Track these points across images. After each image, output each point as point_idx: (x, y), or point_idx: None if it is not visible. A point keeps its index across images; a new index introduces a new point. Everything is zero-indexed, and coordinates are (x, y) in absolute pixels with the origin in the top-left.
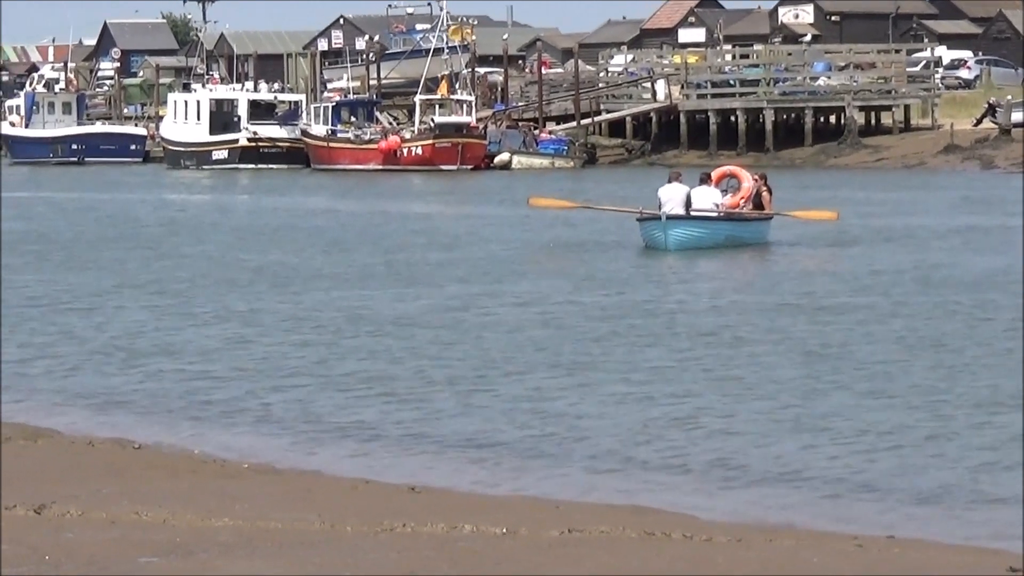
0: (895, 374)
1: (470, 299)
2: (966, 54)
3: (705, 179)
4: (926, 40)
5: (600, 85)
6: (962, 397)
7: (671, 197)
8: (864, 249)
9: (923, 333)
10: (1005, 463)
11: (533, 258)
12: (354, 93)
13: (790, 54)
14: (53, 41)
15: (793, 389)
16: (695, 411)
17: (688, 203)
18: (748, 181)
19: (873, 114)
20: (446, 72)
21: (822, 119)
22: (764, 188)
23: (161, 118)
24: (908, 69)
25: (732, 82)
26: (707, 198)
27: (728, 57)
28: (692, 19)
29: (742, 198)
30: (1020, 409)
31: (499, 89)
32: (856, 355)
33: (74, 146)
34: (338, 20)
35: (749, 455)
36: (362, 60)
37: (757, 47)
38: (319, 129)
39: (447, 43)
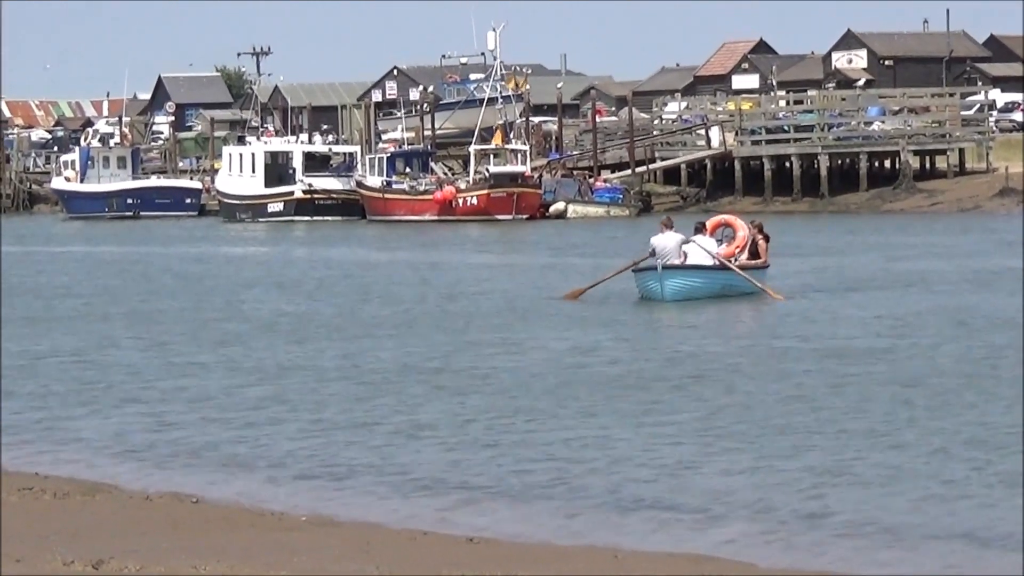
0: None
1: (502, 346)
2: (1020, 96)
3: (700, 228)
4: (980, 83)
5: (654, 133)
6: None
7: (664, 246)
8: (862, 295)
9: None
10: None
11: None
12: (408, 144)
13: (844, 99)
14: (108, 95)
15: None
16: (755, 459)
17: (682, 251)
18: (743, 230)
19: (928, 158)
20: (500, 121)
21: (877, 164)
22: (760, 236)
23: (216, 171)
24: (962, 112)
25: (786, 128)
26: (704, 247)
27: (782, 103)
28: (745, 65)
29: (737, 247)
30: None
31: (553, 138)
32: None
33: (129, 200)
34: (392, 71)
35: (802, 504)
36: (416, 111)
37: (811, 92)
38: (374, 180)
39: (501, 92)
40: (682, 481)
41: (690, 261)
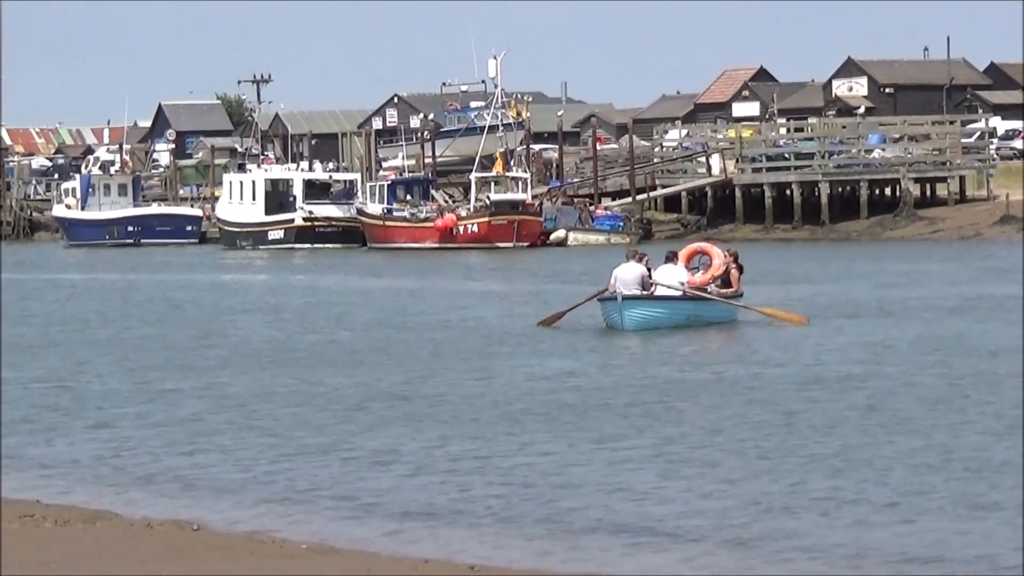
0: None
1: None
2: (1021, 124)
3: (671, 257)
4: (980, 111)
5: (655, 160)
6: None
7: (622, 277)
8: (841, 323)
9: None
10: None
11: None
12: (409, 171)
13: (844, 127)
14: (108, 123)
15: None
16: (794, 489)
17: (643, 282)
18: (719, 258)
19: (928, 185)
20: (501, 149)
21: (877, 191)
22: (734, 266)
23: (216, 199)
24: (963, 140)
25: (787, 155)
26: (672, 277)
27: (783, 131)
28: (746, 93)
29: (712, 276)
30: None
31: (554, 165)
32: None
33: (130, 228)
34: (392, 99)
35: (833, 534)
36: (417, 138)
37: (811, 120)
38: (375, 208)
39: (502, 120)
40: (716, 515)
41: (659, 291)
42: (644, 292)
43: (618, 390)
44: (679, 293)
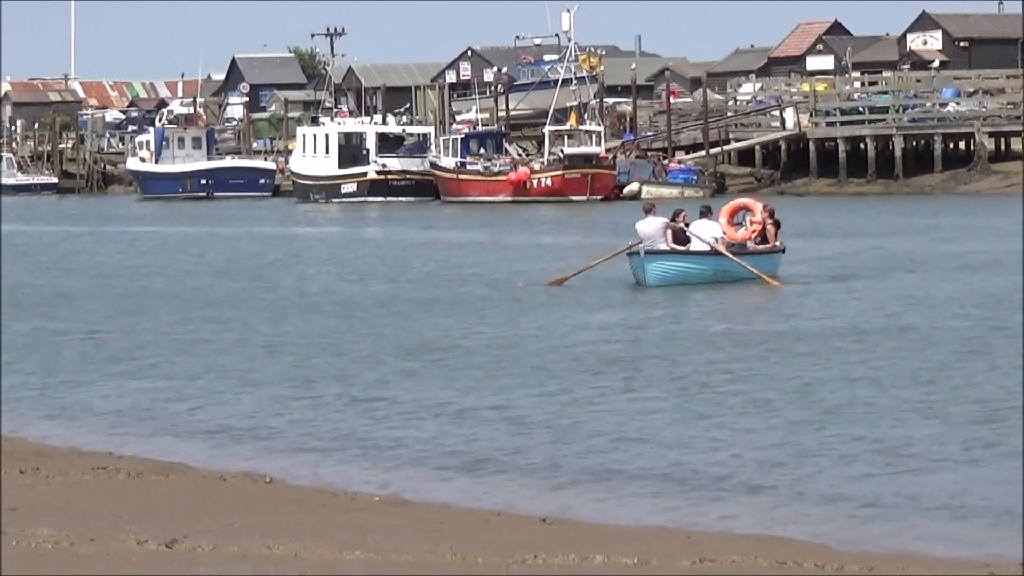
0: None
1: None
2: None
3: (705, 212)
4: None
5: (729, 114)
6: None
7: (645, 231)
8: (873, 281)
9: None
10: None
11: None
12: (483, 125)
13: (919, 81)
14: (182, 76)
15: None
16: (822, 441)
17: (665, 231)
18: (759, 214)
19: (1003, 140)
20: (575, 103)
21: (951, 145)
22: (770, 221)
23: (290, 152)
24: None
25: (861, 109)
26: (705, 232)
27: (857, 84)
28: (820, 47)
29: (754, 231)
30: None
31: (628, 119)
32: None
33: (203, 181)
34: (466, 52)
35: (873, 484)
36: (490, 92)
37: (886, 74)
38: (448, 161)
39: (575, 74)
40: (764, 465)
41: (692, 246)
42: (667, 246)
43: (669, 344)
44: (708, 248)
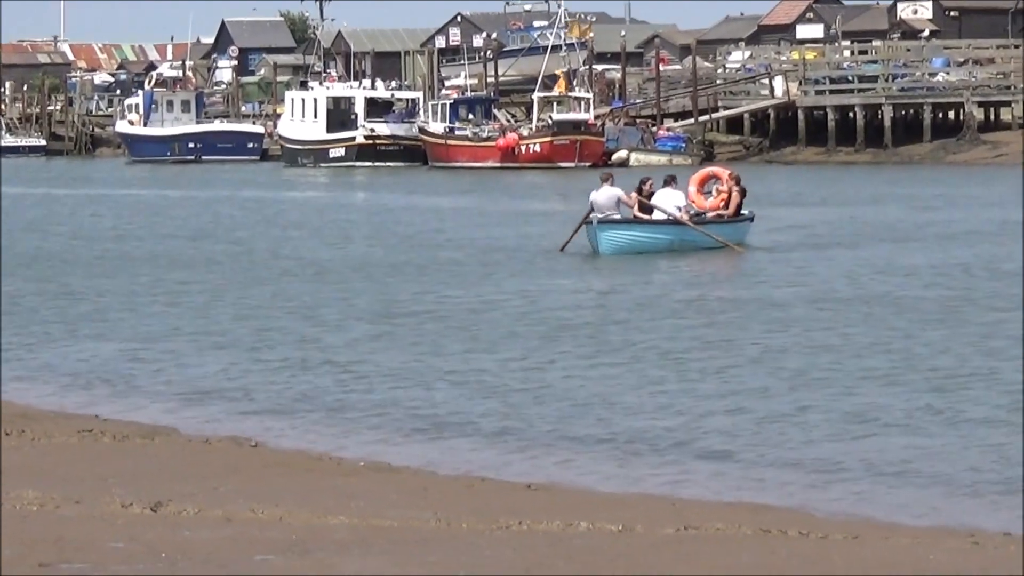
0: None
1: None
2: None
3: (669, 181)
4: None
5: (718, 82)
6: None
7: (598, 200)
8: (843, 250)
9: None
10: None
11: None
12: (472, 90)
13: (908, 50)
14: (171, 39)
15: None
16: (798, 409)
17: (619, 204)
18: (726, 182)
19: (992, 110)
20: (564, 69)
21: (941, 115)
22: (736, 189)
23: (278, 116)
24: None
25: (850, 78)
26: (667, 201)
27: (847, 53)
28: (810, 15)
29: (722, 199)
30: None
31: (617, 86)
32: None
33: (191, 144)
34: (455, 18)
35: (857, 451)
36: (480, 57)
37: (875, 43)
38: (437, 127)
39: (565, 40)
40: (746, 432)
41: (658, 210)
42: (621, 216)
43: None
44: (664, 217)
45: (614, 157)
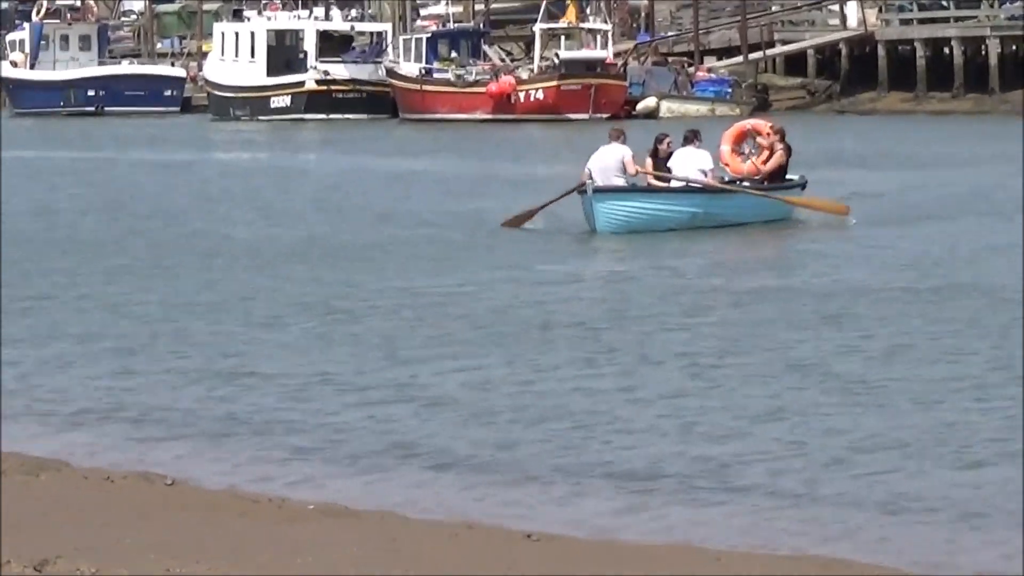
0: None
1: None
2: None
3: (690, 138)
4: None
5: (774, 8)
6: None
7: (600, 163)
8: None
9: None
10: None
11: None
12: (455, 21)
13: None
14: None
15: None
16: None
17: (624, 168)
18: (768, 136)
19: None
20: None
21: None
22: (780, 146)
23: (205, 55)
24: None
25: (945, 4)
26: (690, 163)
27: None
28: None
29: (763, 160)
30: None
31: (643, 15)
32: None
33: (92, 92)
34: None
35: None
36: None
37: None
38: (410, 68)
39: None
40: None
41: (676, 174)
42: (625, 183)
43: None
44: (688, 184)
45: (639, 107)
